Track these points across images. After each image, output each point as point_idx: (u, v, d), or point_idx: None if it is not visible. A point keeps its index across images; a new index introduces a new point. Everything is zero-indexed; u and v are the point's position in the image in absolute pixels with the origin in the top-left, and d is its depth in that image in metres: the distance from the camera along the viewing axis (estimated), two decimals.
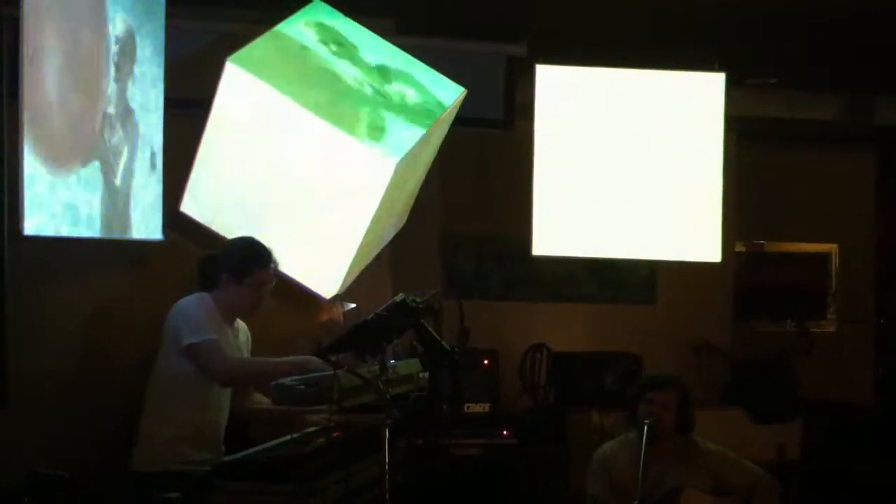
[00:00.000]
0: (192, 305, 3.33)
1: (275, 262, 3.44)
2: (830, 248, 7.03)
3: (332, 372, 2.78)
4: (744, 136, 5.75)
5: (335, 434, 3.15)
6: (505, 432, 4.57)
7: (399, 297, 3.06)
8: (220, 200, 3.78)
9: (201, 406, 3.30)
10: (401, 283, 5.30)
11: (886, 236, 6.82)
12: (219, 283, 3.39)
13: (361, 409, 3.00)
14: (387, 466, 2.79)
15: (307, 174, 3.60)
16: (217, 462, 3.04)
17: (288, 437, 3.06)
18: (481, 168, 5.51)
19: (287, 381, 2.84)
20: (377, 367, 2.96)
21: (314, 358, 3.05)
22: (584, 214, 4.81)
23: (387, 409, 2.79)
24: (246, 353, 3.53)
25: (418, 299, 3.12)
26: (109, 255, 4.04)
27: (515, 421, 4.73)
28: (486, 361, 4.87)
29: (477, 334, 5.27)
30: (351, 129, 3.56)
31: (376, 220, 3.81)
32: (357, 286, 4.41)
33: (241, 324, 3.55)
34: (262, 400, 3.53)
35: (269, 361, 3.37)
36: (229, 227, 3.72)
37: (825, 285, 6.93)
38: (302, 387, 2.79)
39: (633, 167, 4.84)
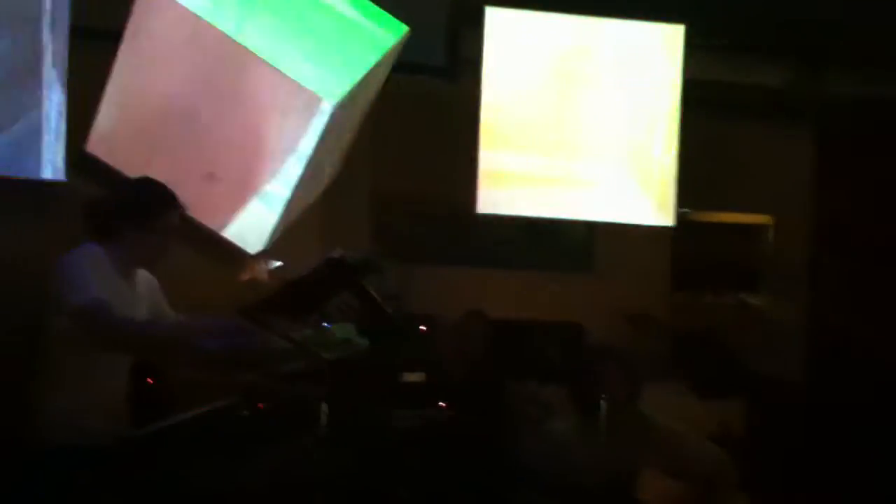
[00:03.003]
0: (77, 260, 2.82)
1: (182, 205, 2.98)
2: (766, 219, 6.88)
3: (259, 334, 2.41)
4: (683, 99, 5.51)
5: (259, 406, 2.80)
6: (442, 404, 4.24)
7: (337, 253, 2.70)
8: (130, 138, 3.37)
9: (94, 369, 2.83)
10: (328, 243, 4.95)
11: (823, 210, 6.69)
12: (112, 232, 2.91)
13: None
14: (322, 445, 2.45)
15: (234, 111, 3.22)
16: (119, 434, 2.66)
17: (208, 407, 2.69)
18: (417, 120, 5.15)
19: (209, 343, 2.45)
20: (309, 332, 2.60)
21: (224, 320, 2.56)
22: (533, 171, 4.50)
23: (326, 377, 2.44)
24: (157, 305, 3.06)
25: (357, 257, 2.77)
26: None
27: (453, 392, 4.39)
28: (422, 327, 4.54)
29: (408, 300, 4.94)
30: (284, 65, 3.19)
31: (310, 168, 3.45)
32: (282, 244, 4.04)
33: (141, 273, 3.04)
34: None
35: (179, 325, 2.95)
36: (141, 168, 3.29)
37: (760, 258, 6.78)
38: (225, 351, 2.41)
39: (586, 122, 4.54)
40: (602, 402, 3.08)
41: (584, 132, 4.53)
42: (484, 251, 5.53)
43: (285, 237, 4.04)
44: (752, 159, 6.23)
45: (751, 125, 6.20)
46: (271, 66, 3.19)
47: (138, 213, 2.90)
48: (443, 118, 4.97)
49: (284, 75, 3.21)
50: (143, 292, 3.02)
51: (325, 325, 2.94)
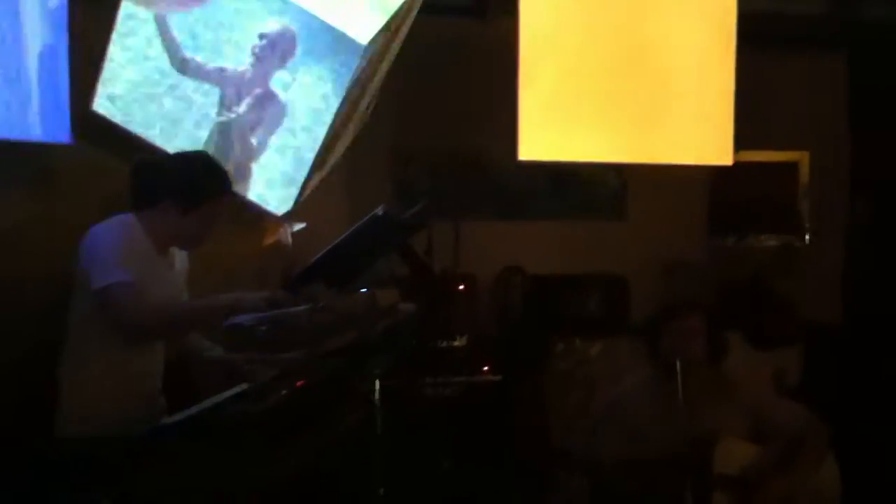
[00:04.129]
0: (106, 235, 2.53)
1: (231, 190, 2.70)
2: (800, 155, 6.54)
3: (304, 308, 2.13)
4: None
5: (298, 384, 2.52)
6: (486, 368, 3.96)
7: (380, 211, 2.41)
8: (139, 95, 3.06)
9: (130, 355, 2.57)
10: (352, 202, 4.65)
11: (859, 143, 6.36)
12: (156, 205, 2.61)
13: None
14: (377, 427, 2.17)
15: (265, 64, 2.91)
16: (155, 424, 2.39)
17: (238, 389, 2.42)
18: (440, 68, 4.81)
19: (246, 320, 2.17)
20: (352, 300, 2.31)
21: (260, 294, 2.30)
22: (578, 115, 4.17)
23: (375, 354, 2.16)
24: (183, 286, 2.78)
25: (404, 213, 2.49)
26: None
27: (496, 354, 4.10)
28: (461, 287, 4.23)
29: (439, 258, 4.65)
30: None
31: (338, 119, 3.15)
32: (304, 204, 3.75)
33: (176, 250, 2.76)
34: (206, 345, 2.78)
35: (197, 304, 2.65)
36: (150, 124, 2.99)
37: (795, 196, 6.46)
38: (264, 328, 2.14)
39: (635, 59, 4.19)
40: (679, 361, 2.80)
41: (633, 70, 4.18)
42: (514, 204, 5.22)
43: (308, 198, 3.75)
44: (784, 93, 5.91)
45: (781, 58, 5.87)
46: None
47: (193, 193, 2.60)
48: (468, 65, 4.66)
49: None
50: (179, 267, 2.76)
51: (363, 290, 2.67)
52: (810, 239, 6.22)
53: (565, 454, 3.04)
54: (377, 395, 2.16)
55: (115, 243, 2.49)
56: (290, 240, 3.97)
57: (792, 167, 6.48)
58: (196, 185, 2.60)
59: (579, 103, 4.15)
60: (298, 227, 3.97)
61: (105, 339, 2.51)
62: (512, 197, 5.21)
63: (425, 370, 3.51)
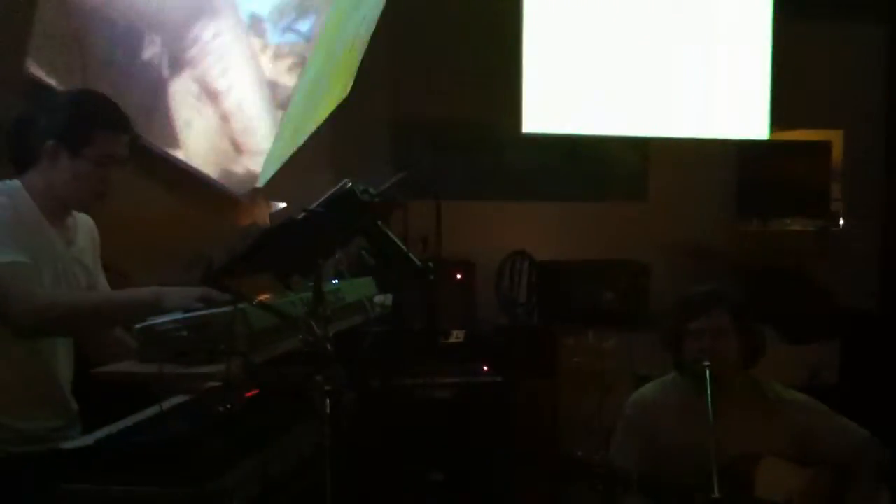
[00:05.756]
0: None
1: (129, 128, 2.20)
2: (833, 134, 6.04)
3: (233, 305, 1.68)
4: None
5: (247, 395, 2.08)
6: (485, 367, 3.48)
7: (346, 185, 1.96)
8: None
9: (29, 352, 2.12)
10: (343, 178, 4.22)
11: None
12: (38, 158, 2.17)
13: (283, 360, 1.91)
14: (328, 445, 1.73)
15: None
16: (59, 441, 1.95)
17: (176, 402, 1.98)
18: (442, 34, 4.37)
19: (160, 322, 1.73)
20: (308, 295, 1.87)
21: (190, 289, 1.86)
22: (590, 84, 3.70)
23: (326, 367, 1.71)
24: (93, 264, 2.30)
25: (372, 190, 2.03)
26: None
27: (497, 351, 3.63)
28: (458, 276, 3.77)
29: (438, 242, 4.19)
30: None
31: (305, 83, 2.71)
32: (287, 182, 3.32)
33: (81, 218, 2.31)
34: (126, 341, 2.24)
35: (107, 297, 2.21)
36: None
37: (827, 177, 5.96)
38: (184, 332, 1.69)
39: (656, 22, 3.72)
40: (706, 366, 2.34)
41: (655, 34, 3.71)
42: (523, 182, 4.75)
43: (291, 174, 3.32)
44: (816, 68, 5.43)
45: (813, 29, 5.38)
46: None
47: (82, 124, 2.15)
48: (473, 31, 4.22)
49: None
50: (82, 243, 2.28)
51: (333, 282, 2.23)
52: (844, 223, 5.76)
53: (576, 464, 2.58)
54: (327, 417, 1.72)
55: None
56: (268, 221, 3.56)
57: (825, 147, 6.03)
58: (84, 116, 2.15)
59: (591, 72, 3.69)
60: (279, 206, 3.56)
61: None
62: (519, 175, 4.76)
63: (414, 370, 3.06)
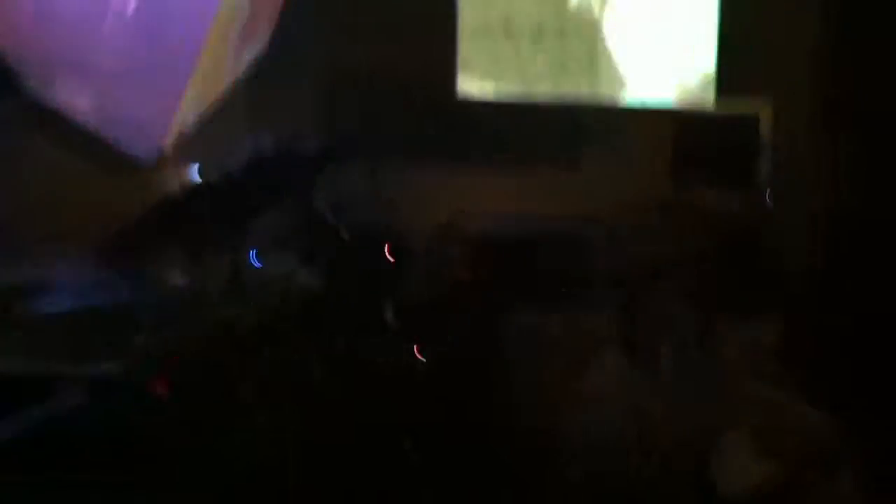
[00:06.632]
0: None
1: (25, 83, 1.92)
2: (763, 106, 5.96)
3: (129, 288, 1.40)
4: None
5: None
6: (415, 346, 3.21)
7: (262, 143, 1.69)
8: None
9: None
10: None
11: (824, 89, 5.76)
12: None
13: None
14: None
15: None
16: None
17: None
18: None
19: (45, 305, 1.44)
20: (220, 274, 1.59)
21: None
22: (532, 48, 3.45)
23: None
24: None
25: (296, 147, 1.77)
26: None
27: (430, 334, 3.36)
28: (386, 248, 3.48)
29: (360, 210, 3.91)
30: None
31: (215, 26, 2.42)
32: (201, 141, 3.01)
33: None
34: None
35: None
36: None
37: (758, 149, 5.86)
38: (70, 314, 1.39)
39: None
40: (662, 345, 2.16)
41: None
42: (457, 146, 4.49)
43: (207, 132, 3.01)
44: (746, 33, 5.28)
45: None
46: None
47: None
48: None
49: None
50: None
51: (252, 261, 1.96)
52: (782, 195, 5.68)
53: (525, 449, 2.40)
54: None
55: None
56: (180, 189, 3.25)
57: (753, 118, 5.93)
58: None
59: (526, 35, 3.44)
60: (192, 169, 3.25)
61: None
62: (449, 138, 4.50)
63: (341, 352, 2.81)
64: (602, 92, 3.82)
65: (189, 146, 2.85)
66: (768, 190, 5.44)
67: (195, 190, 1.58)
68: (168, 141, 2.47)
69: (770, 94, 5.62)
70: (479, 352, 3.49)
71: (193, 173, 3.18)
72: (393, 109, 4.41)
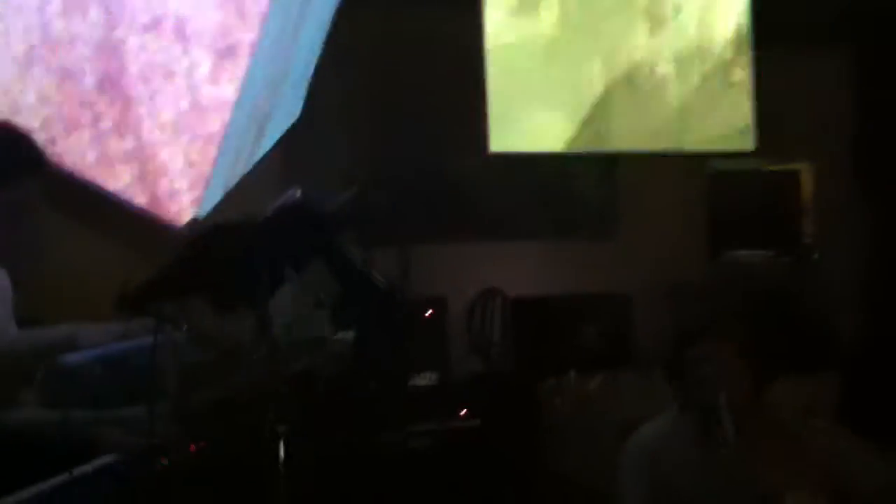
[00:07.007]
0: None
1: (46, 161, 1.88)
2: (800, 165, 5.86)
3: (160, 337, 1.36)
4: None
5: (191, 448, 1.75)
6: (462, 412, 3.13)
7: (297, 196, 1.65)
8: None
9: None
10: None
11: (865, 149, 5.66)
12: None
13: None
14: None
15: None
16: None
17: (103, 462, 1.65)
18: (407, 59, 4.10)
19: (73, 359, 1.41)
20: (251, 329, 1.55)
21: (108, 326, 1.53)
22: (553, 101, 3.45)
23: (275, 404, 1.39)
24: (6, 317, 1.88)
25: (329, 201, 1.73)
26: None
27: (474, 395, 3.28)
28: (429, 312, 3.42)
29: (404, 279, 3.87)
30: None
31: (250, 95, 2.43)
32: (234, 208, 3.00)
33: None
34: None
35: (14, 339, 1.81)
36: None
37: (801, 207, 5.74)
38: (98, 369, 1.36)
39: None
40: (719, 402, 2.04)
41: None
42: (490, 222, 4.43)
43: (239, 200, 2.99)
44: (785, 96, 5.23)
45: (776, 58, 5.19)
46: None
47: None
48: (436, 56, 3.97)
49: None
50: None
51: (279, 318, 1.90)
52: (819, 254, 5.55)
53: None
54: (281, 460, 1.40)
55: None
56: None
57: (794, 175, 5.85)
58: None
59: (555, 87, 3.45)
60: None
61: None
62: (484, 213, 4.45)
63: (382, 419, 2.73)
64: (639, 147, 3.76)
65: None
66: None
67: (218, 231, 1.53)
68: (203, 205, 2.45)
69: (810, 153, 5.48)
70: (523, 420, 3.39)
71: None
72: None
